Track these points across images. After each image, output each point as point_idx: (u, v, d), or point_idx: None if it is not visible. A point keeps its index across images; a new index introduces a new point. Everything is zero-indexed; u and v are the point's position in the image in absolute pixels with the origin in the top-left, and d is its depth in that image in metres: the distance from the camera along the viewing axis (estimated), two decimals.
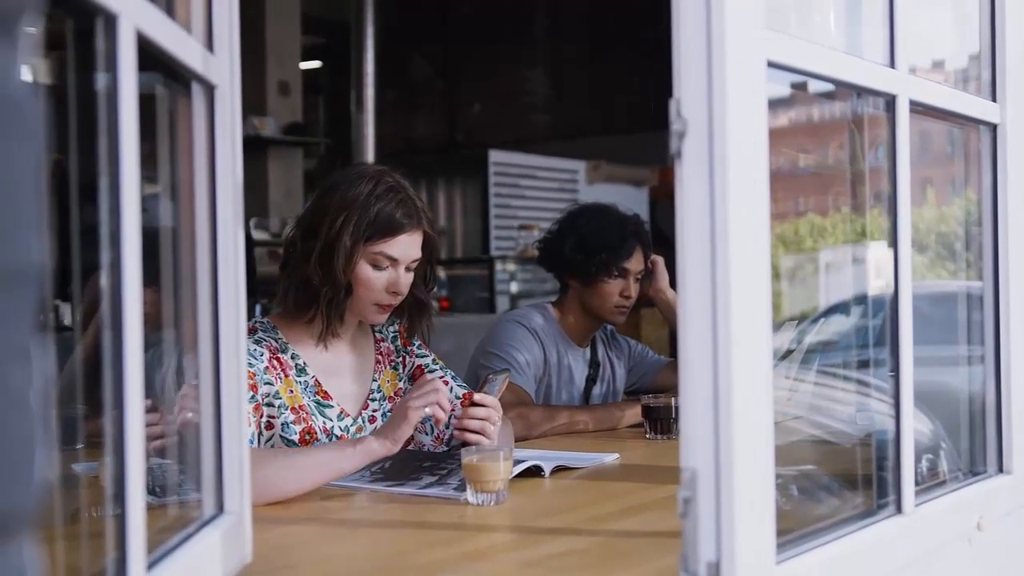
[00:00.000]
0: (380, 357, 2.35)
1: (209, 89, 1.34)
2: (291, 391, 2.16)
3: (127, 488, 1.00)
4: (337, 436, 2.19)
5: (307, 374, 2.20)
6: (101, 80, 1.01)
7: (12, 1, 0.53)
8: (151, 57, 1.11)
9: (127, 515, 1.00)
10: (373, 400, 2.30)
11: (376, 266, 2.16)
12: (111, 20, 0.99)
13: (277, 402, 2.12)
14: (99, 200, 1.02)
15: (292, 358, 2.20)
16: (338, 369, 2.26)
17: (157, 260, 1.32)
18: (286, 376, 2.16)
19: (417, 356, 2.40)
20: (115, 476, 1.00)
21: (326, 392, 2.21)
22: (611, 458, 2.33)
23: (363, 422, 2.26)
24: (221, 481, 1.36)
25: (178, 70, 1.25)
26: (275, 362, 2.15)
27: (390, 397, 2.33)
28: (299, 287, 2.18)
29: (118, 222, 1.00)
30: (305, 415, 2.15)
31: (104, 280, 1.01)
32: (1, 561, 0.54)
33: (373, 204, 2.14)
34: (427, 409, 1.96)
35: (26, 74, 0.55)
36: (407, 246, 2.18)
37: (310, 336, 2.23)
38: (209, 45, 1.34)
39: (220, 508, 1.36)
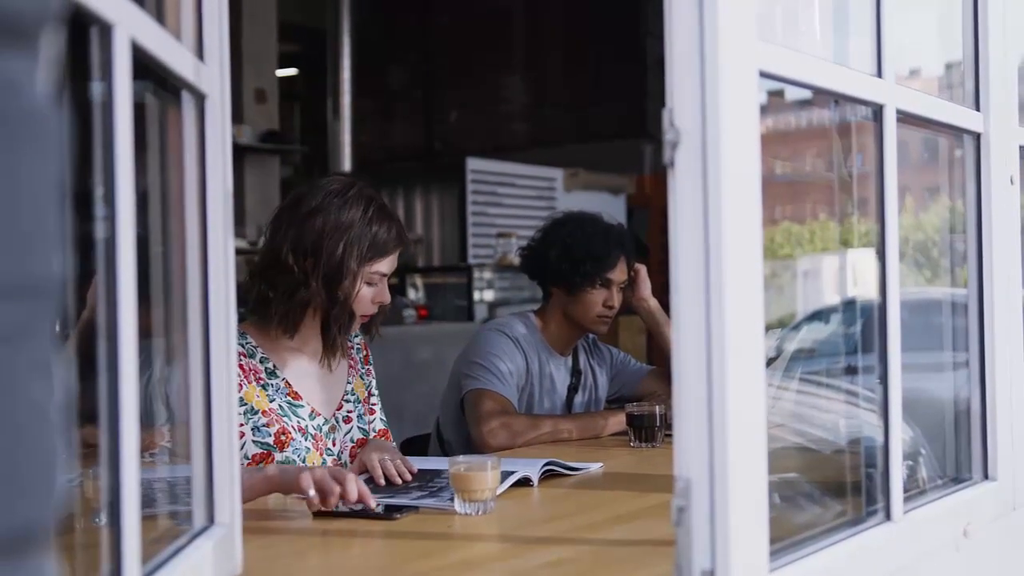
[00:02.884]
0: (352, 362, 2.43)
1: (200, 98, 1.33)
2: (258, 395, 2.21)
3: (122, 500, 0.99)
4: (312, 435, 2.25)
5: (278, 377, 2.25)
6: (95, 88, 1.00)
7: (33, 13, 0.52)
8: (142, 66, 1.10)
9: (122, 526, 0.99)
10: (348, 401, 2.38)
11: (369, 284, 2.26)
12: (106, 29, 0.98)
13: (243, 408, 2.16)
14: (89, 208, 1.01)
15: (261, 362, 2.25)
16: (311, 373, 2.32)
17: (147, 269, 1.31)
18: (250, 383, 2.21)
19: (372, 376, 2.49)
20: (110, 487, 0.99)
21: (296, 393, 2.27)
22: (595, 467, 2.33)
23: (337, 421, 2.33)
24: (212, 492, 1.36)
25: (169, 79, 1.24)
26: (238, 368, 2.18)
27: (363, 400, 2.41)
28: (300, 308, 2.22)
29: (113, 231, 0.99)
30: (276, 417, 2.21)
31: (98, 289, 1.00)
32: (26, 574, 0.53)
33: (370, 227, 2.23)
34: (311, 492, 1.78)
35: (46, 85, 0.54)
36: (395, 261, 2.30)
37: (287, 342, 2.28)
38: (200, 54, 1.33)
39: (211, 519, 1.36)
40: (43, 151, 0.53)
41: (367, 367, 2.47)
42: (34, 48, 0.53)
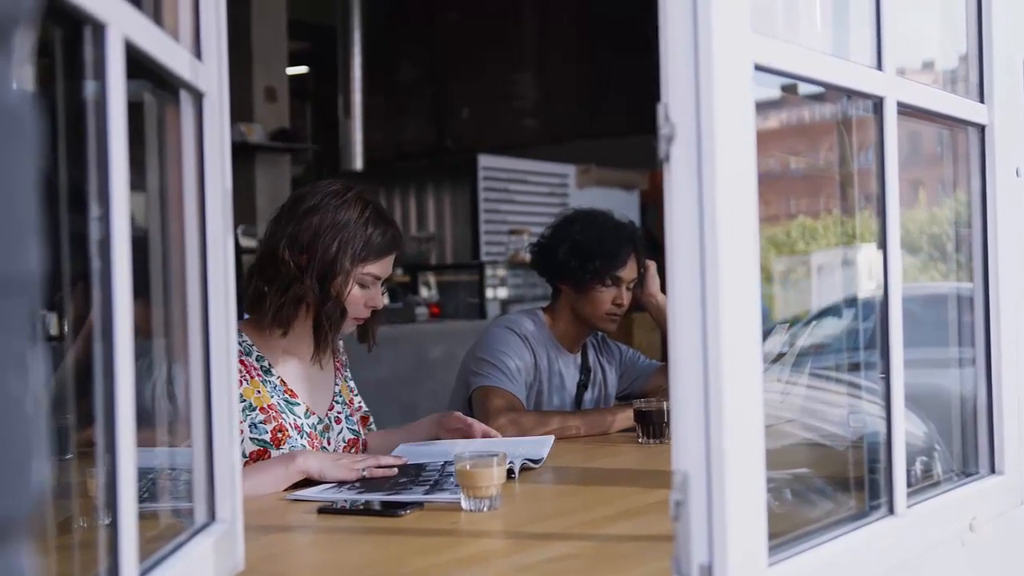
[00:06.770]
0: (339, 366, 2.48)
1: (197, 97, 1.34)
2: (258, 392, 2.25)
3: (119, 497, 1.00)
4: (307, 433, 2.29)
5: (273, 375, 2.29)
6: (89, 88, 1.01)
7: (7, 10, 0.53)
8: (138, 64, 1.11)
9: (119, 524, 1.00)
10: (337, 402, 2.42)
11: (362, 285, 2.30)
12: (99, 29, 0.99)
13: (241, 404, 2.19)
14: (87, 208, 1.02)
15: (257, 360, 2.29)
16: (303, 373, 2.36)
17: (146, 270, 1.32)
18: (252, 378, 2.25)
19: (350, 379, 2.53)
20: (107, 484, 1.00)
21: (292, 391, 2.31)
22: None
23: (330, 421, 2.38)
24: (213, 489, 1.36)
25: (166, 78, 1.25)
26: (239, 365, 2.20)
27: (348, 403, 2.46)
28: (293, 304, 2.26)
29: (108, 231, 1.00)
30: (275, 413, 2.25)
31: (94, 289, 1.01)
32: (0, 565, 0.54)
33: (365, 228, 2.27)
34: (365, 472, 2.10)
35: (21, 82, 0.55)
36: (390, 265, 2.34)
37: (279, 341, 2.31)
38: (197, 53, 1.34)
39: (212, 516, 1.36)
40: (18, 148, 0.54)
41: (346, 371, 2.52)
42: (7, 45, 0.54)
